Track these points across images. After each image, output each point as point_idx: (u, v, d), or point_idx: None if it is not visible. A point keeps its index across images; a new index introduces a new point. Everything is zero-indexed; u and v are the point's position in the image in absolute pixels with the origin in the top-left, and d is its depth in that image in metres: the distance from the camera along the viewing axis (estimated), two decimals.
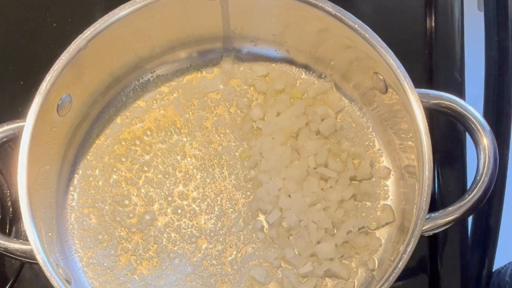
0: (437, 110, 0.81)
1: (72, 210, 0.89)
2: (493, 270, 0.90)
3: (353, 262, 0.87)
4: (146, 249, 0.88)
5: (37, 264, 0.77)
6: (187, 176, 0.90)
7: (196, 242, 0.88)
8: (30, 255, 0.77)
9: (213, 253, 0.88)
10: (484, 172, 0.78)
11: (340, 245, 0.86)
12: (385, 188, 0.89)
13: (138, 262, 0.87)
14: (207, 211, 0.89)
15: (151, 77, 0.94)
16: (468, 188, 0.80)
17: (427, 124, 0.78)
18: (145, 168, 0.91)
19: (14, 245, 0.79)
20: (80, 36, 0.82)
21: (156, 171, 0.90)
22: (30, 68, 0.96)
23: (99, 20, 0.83)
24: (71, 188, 0.90)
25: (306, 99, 0.92)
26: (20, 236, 0.91)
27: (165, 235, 0.88)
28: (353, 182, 0.89)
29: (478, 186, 0.78)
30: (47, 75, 0.81)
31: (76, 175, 0.90)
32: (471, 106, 0.80)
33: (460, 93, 0.92)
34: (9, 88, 0.97)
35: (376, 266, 0.86)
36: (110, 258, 0.87)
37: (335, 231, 0.87)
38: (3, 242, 0.79)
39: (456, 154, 0.91)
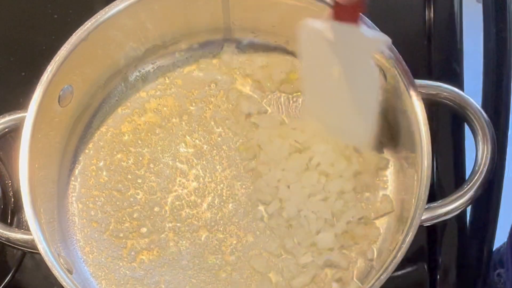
0: (436, 101, 0.81)
1: (73, 200, 0.89)
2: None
3: (352, 252, 0.87)
4: (147, 238, 0.88)
5: (39, 254, 0.77)
6: (187, 166, 0.91)
7: (197, 231, 0.88)
8: (31, 245, 0.78)
9: (213, 243, 0.88)
10: (483, 162, 0.79)
11: (340, 235, 0.87)
12: (384, 178, 0.89)
13: (139, 251, 0.88)
14: (207, 201, 0.90)
15: (152, 68, 0.94)
16: (466, 178, 0.80)
17: (426, 114, 0.78)
18: (146, 158, 0.91)
19: (15, 235, 0.79)
20: (81, 27, 0.83)
21: (156, 161, 0.91)
22: (31, 59, 0.96)
23: (100, 11, 0.83)
24: (72, 178, 0.90)
25: None
26: (22, 226, 0.91)
27: (166, 224, 0.89)
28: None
29: (477, 176, 0.79)
30: (49, 66, 0.81)
31: (77, 165, 0.91)
32: (470, 97, 0.81)
33: (459, 84, 0.93)
34: (11, 79, 0.97)
35: (375, 256, 0.87)
36: (111, 247, 0.88)
37: (335, 222, 0.87)
38: (5, 232, 0.79)
39: (454, 144, 0.92)
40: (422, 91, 0.79)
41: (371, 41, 0.77)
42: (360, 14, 0.76)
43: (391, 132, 0.89)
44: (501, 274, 0.99)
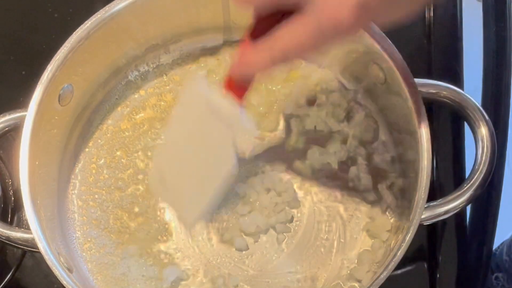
0: (436, 99, 0.81)
1: (73, 198, 0.89)
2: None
3: None
4: (147, 236, 0.88)
5: (39, 252, 0.77)
6: None
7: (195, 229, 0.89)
8: (31, 244, 0.78)
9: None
10: (483, 161, 0.79)
11: None
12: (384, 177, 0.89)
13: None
14: None
15: (152, 67, 0.94)
16: (466, 177, 0.80)
17: (425, 113, 0.78)
18: (146, 156, 0.91)
19: (16, 234, 0.79)
20: (81, 26, 0.83)
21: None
22: (31, 58, 0.96)
23: (101, 10, 0.83)
24: (73, 177, 0.90)
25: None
26: (22, 225, 0.91)
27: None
28: None
29: (477, 175, 0.79)
30: (49, 65, 0.81)
31: (77, 164, 0.91)
32: (470, 96, 0.81)
33: (459, 83, 0.93)
34: (11, 78, 0.97)
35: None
36: (111, 245, 0.88)
37: None
38: (5, 231, 0.79)
39: (454, 143, 0.92)
40: (422, 90, 0.79)
41: (242, 123, 0.74)
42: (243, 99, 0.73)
43: (390, 132, 0.89)
44: (499, 278, 0.99)
